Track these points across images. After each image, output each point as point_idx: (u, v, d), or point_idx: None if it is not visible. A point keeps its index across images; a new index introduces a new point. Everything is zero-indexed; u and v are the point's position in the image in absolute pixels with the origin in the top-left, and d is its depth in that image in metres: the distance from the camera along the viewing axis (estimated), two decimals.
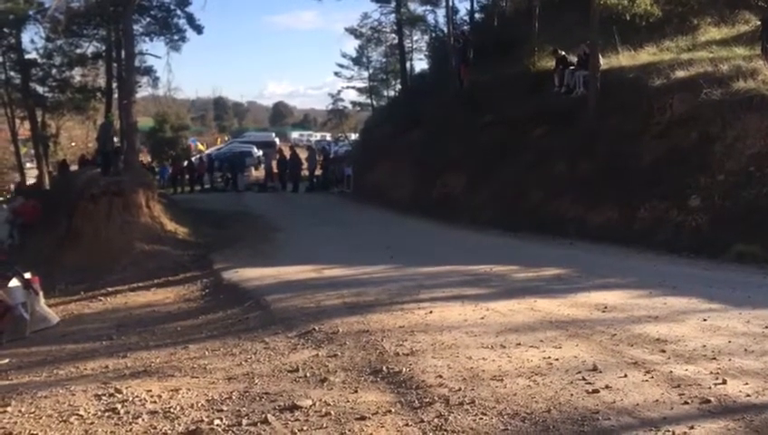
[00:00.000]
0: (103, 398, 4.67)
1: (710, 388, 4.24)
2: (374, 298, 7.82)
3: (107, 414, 4.33)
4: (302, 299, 8.13)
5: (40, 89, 25.54)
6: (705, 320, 6.09)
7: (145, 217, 15.00)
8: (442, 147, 18.00)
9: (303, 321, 6.86)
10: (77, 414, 4.35)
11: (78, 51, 25.40)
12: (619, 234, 11.83)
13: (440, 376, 4.69)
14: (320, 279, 9.58)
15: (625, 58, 15.90)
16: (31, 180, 26.01)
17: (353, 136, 40.02)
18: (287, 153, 27.87)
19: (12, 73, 25.12)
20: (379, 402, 4.28)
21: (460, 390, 4.39)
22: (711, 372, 4.53)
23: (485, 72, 19.07)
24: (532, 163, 15.13)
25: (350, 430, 3.86)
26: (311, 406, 4.25)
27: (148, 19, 24.63)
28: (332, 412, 4.14)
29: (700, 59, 13.61)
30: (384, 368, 4.96)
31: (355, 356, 5.39)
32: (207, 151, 36.23)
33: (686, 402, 4.03)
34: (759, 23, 14.22)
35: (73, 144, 33.54)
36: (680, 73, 13.36)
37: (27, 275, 9.81)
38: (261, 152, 32.83)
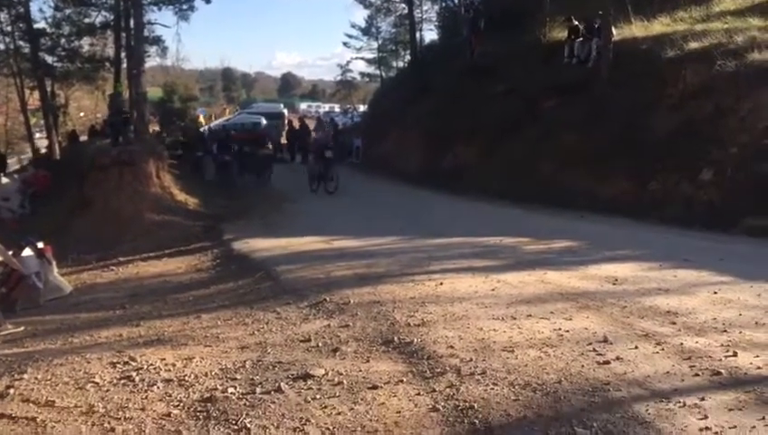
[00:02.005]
0: (118, 366, 4.72)
1: (721, 360, 4.25)
2: (385, 269, 7.86)
3: (122, 382, 4.39)
4: (312, 270, 8.17)
5: (49, 58, 25.42)
6: (715, 293, 6.10)
7: (155, 188, 15.05)
8: (452, 118, 17.90)
9: (315, 291, 6.90)
10: (93, 382, 4.41)
11: (86, 20, 25.24)
12: (630, 206, 11.79)
13: (451, 347, 4.72)
14: (330, 250, 9.62)
15: (638, 29, 15.68)
16: (41, 151, 26.06)
17: (362, 107, 39.82)
18: (296, 124, 27.77)
19: (21, 43, 25.00)
20: (390, 372, 4.32)
21: (471, 360, 4.42)
22: (722, 345, 4.55)
23: (496, 42, 18.87)
24: (542, 135, 15.04)
25: (362, 399, 3.90)
26: (323, 375, 4.30)
27: None
28: (345, 381, 4.18)
29: (714, 30, 13.41)
30: (395, 338, 4.99)
31: (366, 326, 5.43)
32: (215, 123, 36.08)
33: (696, 374, 4.04)
34: None
35: (82, 114, 33.51)
36: (694, 45, 13.19)
37: (40, 245, 9.91)
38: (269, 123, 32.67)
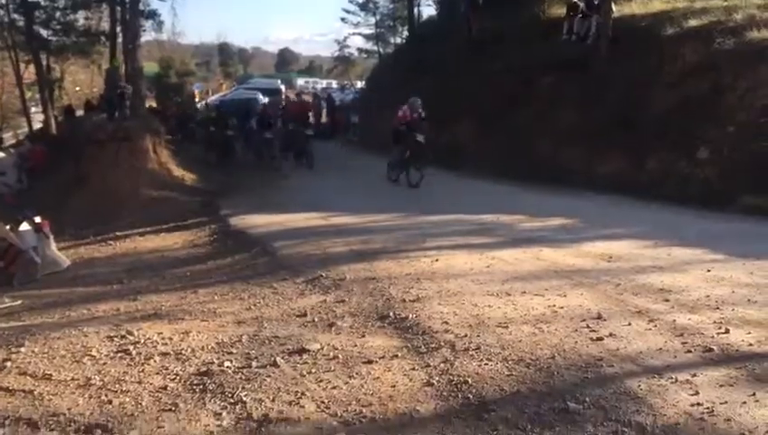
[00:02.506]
0: (115, 339, 4.76)
1: (713, 337, 4.29)
2: (381, 246, 7.88)
3: (119, 355, 4.43)
4: (309, 246, 8.19)
5: (44, 32, 25.21)
6: (709, 271, 6.13)
7: (152, 163, 15.05)
8: (450, 95, 17.79)
9: (311, 267, 6.93)
10: (90, 355, 4.45)
11: None
12: (626, 184, 11.80)
13: (446, 322, 4.76)
14: (327, 226, 9.64)
15: (637, 6, 15.56)
16: (37, 125, 25.92)
17: (359, 83, 39.61)
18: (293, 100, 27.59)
19: (15, 16, 24.75)
20: (386, 347, 4.36)
21: (466, 336, 4.46)
22: (714, 322, 4.59)
23: (495, 19, 18.71)
24: (541, 112, 14.99)
25: (357, 373, 3.94)
26: (319, 350, 4.33)
27: None
28: (340, 356, 4.22)
29: (714, 7, 13.32)
30: (391, 314, 5.03)
31: (362, 302, 5.46)
32: (212, 98, 35.85)
33: (688, 351, 4.09)
34: None
35: (78, 89, 33.28)
36: (693, 22, 13.10)
37: (37, 219, 9.92)
38: (266, 99, 32.47)
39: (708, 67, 12.18)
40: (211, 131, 19.45)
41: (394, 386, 3.76)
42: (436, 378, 3.84)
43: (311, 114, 26.47)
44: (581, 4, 16.13)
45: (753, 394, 3.45)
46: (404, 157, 13.88)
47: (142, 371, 4.13)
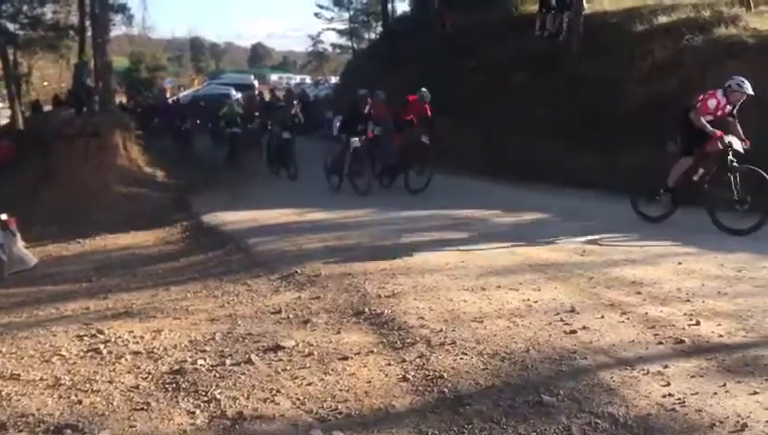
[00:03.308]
0: (85, 338, 4.68)
1: (684, 329, 4.34)
2: (356, 242, 7.87)
3: (89, 354, 4.35)
4: (283, 242, 8.14)
5: (11, 26, 24.66)
6: (680, 263, 6.21)
7: (122, 159, 14.87)
8: (424, 89, 17.80)
9: (285, 263, 6.89)
10: (59, 354, 4.37)
11: None
12: (599, 179, 11.88)
13: (422, 317, 4.76)
14: (301, 223, 9.59)
15: (608, 2, 15.74)
16: (3, 121, 25.39)
17: (334, 79, 39.45)
18: (267, 96, 27.43)
19: None
20: (361, 343, 4.35)
21: (441, 331, 4.47)
22: (685, 314, 4.64)
23: (468, 14, 18.75)
24: (514, 108, 15.03)
25: (333, 370, 3.92)
26: (294, 346, 4.30)
27: None
28: (315, 353, 4.20)
29: (682, 4, 13.51)
30: (366, 310, 5.02)
31: (337, 298, 5.44)
32: (183, 93, 35.42)
33: (660, 343, 4.13)
34: None
35: (46, 84, 32.66)
36: (663, 19, 13.26)
37: (3, 217, 9.70)
38: (239, 95, 32.20)
39: (677, 63, 12.33)
40: (233, 131, 17.93)
41: (369, 382, 3.75)
42: (412, 373, 3.83)
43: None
44: (553, 1, 16.24)
45: (724, 385, 3.50)
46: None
47: (113, 370, 4.07)
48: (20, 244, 9.85)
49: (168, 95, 34.21)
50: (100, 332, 4.79)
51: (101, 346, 4.47)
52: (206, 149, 20.02)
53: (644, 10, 14.13)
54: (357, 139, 12.31)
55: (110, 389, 3.77)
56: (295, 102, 20.09)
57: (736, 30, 11.85)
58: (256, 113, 19.61)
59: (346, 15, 36.84)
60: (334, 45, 40.68)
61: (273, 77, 56.96)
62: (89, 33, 22.51)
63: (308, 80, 48.91)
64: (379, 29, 31.56)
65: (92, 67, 18.36)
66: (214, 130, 19.99)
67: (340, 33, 38.35)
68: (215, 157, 18.44)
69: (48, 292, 7.39)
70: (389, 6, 29.23)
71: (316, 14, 38.14)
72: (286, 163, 15.09)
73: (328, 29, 38.99)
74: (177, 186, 14.52)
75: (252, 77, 40.49)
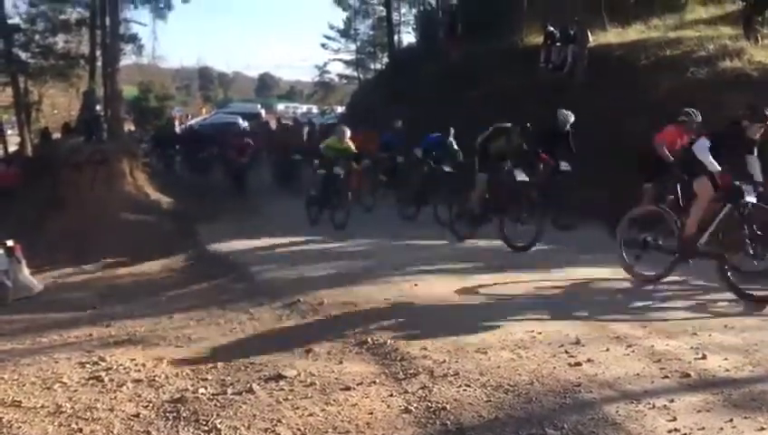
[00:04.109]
0: (87, 366, 4.65)
1: (690, 362, 4.29)
2: (360, 270, 7.84)
3: (91, 382, 4.32)
4: (287, 270, 8.14)
5: (23, 55, 25.03)
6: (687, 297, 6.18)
7: (129, 187, 14.95)
8: (428, 121, 17.90)
9: (288, 292, 6.86)
10: (61, 382, 4.34)
11: (62, 16, 24.91)
12: (606, 211, 11.85)
13: (425, 348, 4.72)
14: (306, 251, 9.59)
15: (613, 35, 15.88)
16: (12, 148, 25.60)
17: (340, 109, 39.73)
18: (273, 125, 27.62)
19: None
20: (363, 373, 4.31)
21: (444, 362, 4.43)
22: (691, 347, 4.59)
23: (474, 46, 18.95)
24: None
25: (334, 400, 3.89)
26: (296, 376, 4.27)
27: None
28: (317, 382, 4.16)
29: (687, 38, 13.63)
30: (369, 339, 4.98)
31: (340, 327, 5.41)
32: (190, 122, 35.65)
33: (666, 376, 4.08)
34: (743, 2, 14.21)
35: (56, 112, 32.95)
36: (667, 52, 13.37)
37: (9, 243, 9.74)
38: (246, 124, 32.41)
39: (682, 96, 12.38)
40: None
41: (372, 413, 3.71)
42: (414, 404, 3.79)
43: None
44: (558, 34, 16.41)
45: (731, 420, 3.45)
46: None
47: (114, 398, 4.04)
48: (25, 270, 9.89)
49: (177, 124, 34.51)
50: (102, 359, 4.76)
51: (103, 374, 4.44)
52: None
53: (648, 43, 14.26)
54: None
55: (110, 417, 3.74)
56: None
57: (741, 63, 11.93)
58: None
59: (353, 46, 37.17)
60: (341, 76, 40.98)
61: (280, 106, 57.31)
62: (99, 63, 22.85)
63: (314, 109, 49.25)
64: (385, 60, 31.85)
65: (102, 95, 18.56)
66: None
67: (347, 63, 38.67)
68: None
69: (52, 318, 7.39)
70: (396, 37, 29.59)
71: (323, 45, 38.45)
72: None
73: (334, 59, 39.24)
74: (184, 213, 14.55)
75: (259, 106, 40.86)
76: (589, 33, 15.39)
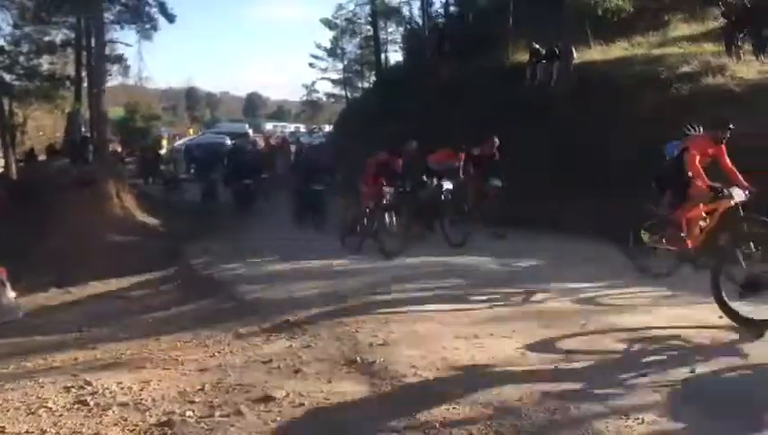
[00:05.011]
0: (72, 390, 4.60)
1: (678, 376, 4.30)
2: (349, 289, 7.81)
3: (76, 406, 4.27)
4: (275, 290, 8.09)
5: (7, 77, 24.89)
6: (672, 309, 6.20)
7: (116, 208, 14.87)
8: (415, 139, 17.98)
9: (277, 312, 6.82)
10: (45, 407, 4.28)
11: (46, 38, 24.82)
12: (590, 227, 11.92)
13: (414, 366, 4.70)
14: (294, 271, 9.53)
15: (597, 52, 16.06)
16: None
17: (327, 127, 39.86)
18: (261, 144, 27.60)
19: None
20: (352, 393, 4.28)
21: (434, 380, 4.41)
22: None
23: (461, 64, 19.10)
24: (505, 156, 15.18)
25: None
26: (284, 397, 4.24)
27: (118, 7, 24.16)
28: (306, 403, 4.13)
29: (670, 55, 13.80)
30: (358, 358, 4.96)
31: (329, 347, 5.38)
32: (178, 143, 35.59)
33: (655, 391, 4.09)
34: (725, 19, 14.43)
35: (41, 134, 32.85)
36: (650, 69, 13.53)
37: None
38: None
39: (665, 112, 12.51)
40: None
41: None
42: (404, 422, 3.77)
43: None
44: (543, 51, 16.58)
45: None
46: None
47: (100, 422, 3.99)
48: (10, 294, 9.79)
49: (164, 144, 34.44)
50: (88, 383, 4.70)
51: (89, 398, 4.39)
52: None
53: (632, 60, 14.43)
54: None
55: None
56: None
57: (723, 79, 12.09)
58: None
59: (340, 65, 37.39)
60: (328, 94, 41.22)
61: (268, 126, 57.41)
62: (85, 84, 22.79)
63: (302, 128, 49.38)
64: (373, 78, 32.04)
65: (87, 117, 18.51)
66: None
67: (334, 82, 38.87)
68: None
69: (37, 342, 7.29)
70: (383, 56, 29.78)
71: (311, 64, 38.67)
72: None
73: (322, 78, 39.47)
74: (171, 234, 14.48)
75: (246, 126, 40.92)
76: (573, 51, 15.56)
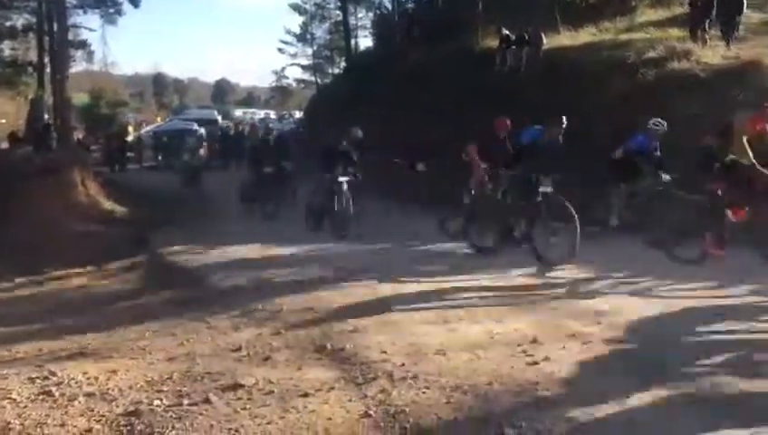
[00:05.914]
0: (37, 381, 4.51)
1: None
2: (319, 276, 7.78)
3: (41, 397, 4.20)
4: (244, 278, 8.01)
5: None
6: (639, 294, 6.29)
7: (81, 196, 14.57)
8: (386, 124, 17.95)
9: (246, 299, 6.77)
10: (9, 398, 4.20)
11: (8, 23, 24.28)
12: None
13: (384, 352, 4.71)
14: (263, 258, 9.45)
15: (566, 38, 16.15)
16: None
17: (298, 114, 39.62)
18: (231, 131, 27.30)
19: None
20: (322, 379, 4.28)
21: (404, 365, 4.43)
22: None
23: (430, 50, 19.07)
24: (472, 139, 15.22)
25: (293, 407, 3.85)
26: (254, 384, 4.22)
27: None
28: (276, 390, 4.11)
29: (637, 40, 13.94)
30: (328, 345, 4.95)
31: (299, 334, 5.36)
32: (146, 129, 35.04)
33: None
34: (690, 6, 14.60)
35: (3, 121, 32.10)
36: (618, 54, 13.65)
37: None
38: (203, 130, 31.99)
39: (632, 98, 12.64)
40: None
41: (331, 419, 3.68)
42: (374, 408, 3.78)
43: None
44: (513, 37, 16.62)
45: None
46: None
47: (65, 413, 3.92)
48: None
49: (130, 131, 33.84)
50: (53, 373, 4.62)
51: (54, 388, 4.31)
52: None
53: (600, 45, 14.54)
54: None
55: (61, 433, 3.65)
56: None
57: (689, 64, 12.24)
58: None
59: (309, 51, 37.23)
60: (298, 80, 41.06)
61: (238, 112, 56.81)
62: (48, 70, 22.32)
63: (272, 115, 48.98)
64: (343, 64, 31.88)
65: (51, 103, 18.13)
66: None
67: (304, 68, 38.71)
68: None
69: (0, 333, 7.14)
70: (353, 42, 29.64)
71: (280, 50, 38.44)
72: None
73: (292, 64, 39.29)
74: (138, 222, 14.25)
75: (215, 112, 40.42)
76: (543, 36, 15.63)
